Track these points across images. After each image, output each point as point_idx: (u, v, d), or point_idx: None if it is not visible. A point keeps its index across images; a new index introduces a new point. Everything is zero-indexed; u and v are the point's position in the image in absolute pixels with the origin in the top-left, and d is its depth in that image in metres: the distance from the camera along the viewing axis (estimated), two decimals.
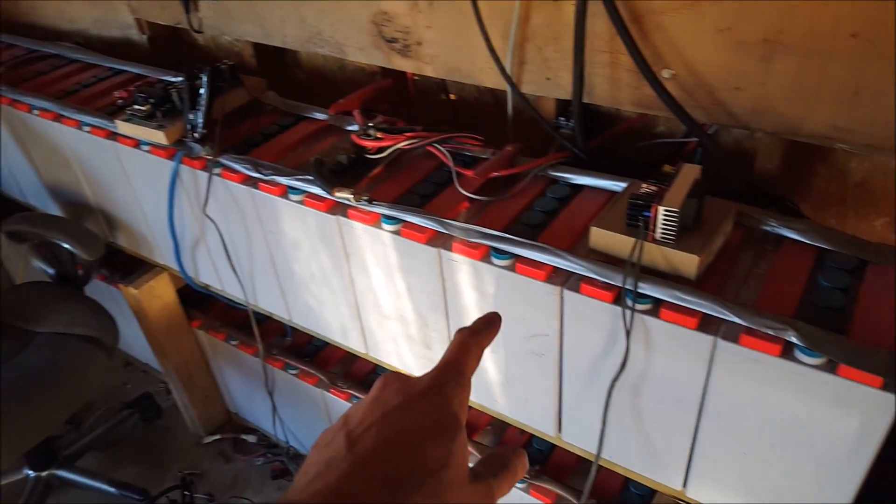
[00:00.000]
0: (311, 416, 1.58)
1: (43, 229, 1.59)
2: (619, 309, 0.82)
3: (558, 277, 0.88)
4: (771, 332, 0.74)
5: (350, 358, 1.55)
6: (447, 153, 1.09)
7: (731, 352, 0.77)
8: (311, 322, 1.32)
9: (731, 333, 0.77)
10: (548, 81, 1.07)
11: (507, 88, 1.11)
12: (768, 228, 0.89)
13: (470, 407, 1.33)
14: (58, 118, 1.47)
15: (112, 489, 1.73)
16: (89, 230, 1.60)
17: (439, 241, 0.98)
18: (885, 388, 0.70)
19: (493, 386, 1.08)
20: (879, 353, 0.70)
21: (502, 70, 1.08)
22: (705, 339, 0.78)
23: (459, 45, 1.13)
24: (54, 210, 1.80)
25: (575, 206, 1.00)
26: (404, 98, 1.41)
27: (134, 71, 1.60)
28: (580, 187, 1.03)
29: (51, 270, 1.71)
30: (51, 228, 1.59)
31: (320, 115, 1.31)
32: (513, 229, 0.96)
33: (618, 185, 0.98)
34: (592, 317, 0.86)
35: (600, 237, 0.86)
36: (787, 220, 0.89)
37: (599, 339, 0.88)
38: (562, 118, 1.13)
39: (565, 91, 1.04)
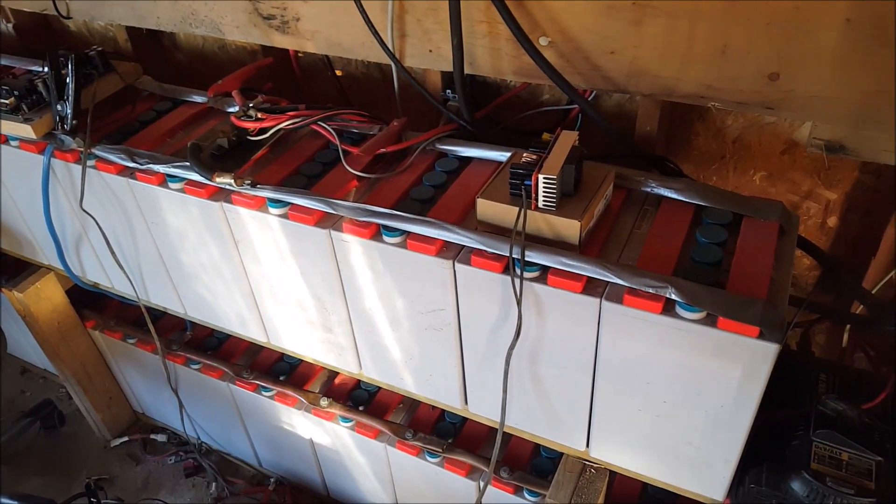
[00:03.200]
0: (219, 410, 1.53)
1: None
2: (508, 278, 0.83)
3: (449, 251, 0.88)
4: (651, 291, 0.76)
5: (255, 348, 1.51)
6: (333, 131, 1.06)
7: (617, 312, 0.79)
8: (208, 314, 1.27)
9: (614, 294, 0.79)
10: (430, 54, 1.05)
11: (391, 63, 1.08)
12: (648, 189, 0.92)
13: (379, 387, 1.33)
14: None
15: (16, 503, 1.63)
16: None
17: (328, 222, 0.96)
18: (761, 337, 0.73)
19: (398, 364, 1.07)
20: (754, 303, 0.74)
21: (382, 44, 1.05)
22: (591, 302, 0.80)
23: (339, 20, 1.09)
24: None
25: (464, 178, 0.99)
26: (289, 76, 1.37)
27: None
28: (469, 159, 1.03)
29: None
30: None
31: (199, 98, 1.25)
32: (403, 205, 0.94)
33: (505, 156, 0.98)
34: (485, 288, 0.87)
35: (487, 208, 0.85)
36: (665, 180, 0.91)
37: (494, 309, 0.88)
38: (449, 91, 1.12)
39: (448, 63, 1.03)
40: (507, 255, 0.81)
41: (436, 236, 0.87)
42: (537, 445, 1.24)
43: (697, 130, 1.11)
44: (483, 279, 0.86)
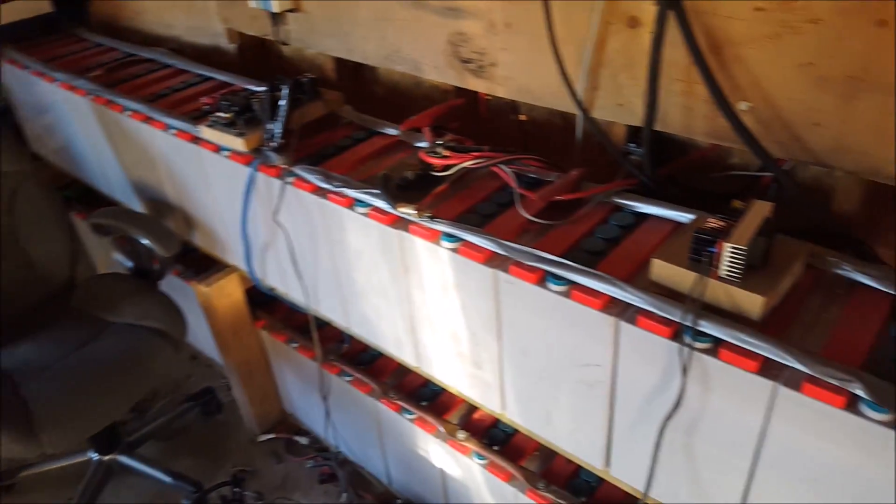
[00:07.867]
0: (362, 423, 1.59)
1: (125, 224, 1.67)
2: (676, 345, 0.80)
3: (615, 308, 0.86)
4: (836, 383, 0.71)
5: (403, 370, 1.56)
6: (511, 174, 1.09)
7: (792, 400, 0.74)
8: (368, 331, 1.34)
9: (792, 380, 0.74)
10: (619, 107, 1.06)
11: (578, 113, 1.10)
12: (842, 272, 0.85)
13: (516, 430, 1.32)
14: (147, 120, 1.55)
15: (168, 479, 1.77)
16: (168, 228, 1.67)
17: (496, 262, 0.98)
18: None
19: (542, 412, 1.06)
20: None
21: (573, 95, 1.07)
22: (765, 384, 0.75)
23: (533, 68, 1.13)
24: (137, 206, 1.89)
25: (638, 235, 0.98)
26: (475, 117, 1.42)
27: (221, 79, 1.67)
28: (645, 216, 1.01)
29: (129, 263, 1.80)
30: (133, 224, 1.66)
31: (392, 131, 1.33)
32: (572, 255, 0.95)
33: (684, 217, 0.96)
34: (648, 351, 0.84)
35: (662, 269, 0.84)
36: (862, 265, 0.84)
37: (654, 374, 0.86)
38: (631, 144, 1.11)
39: (637, 117, 1.03)
40: (679, 320, 0.79)
41: (603, 290, 0.87)
42: None
43: None
44: (647, 342, 0.83)
